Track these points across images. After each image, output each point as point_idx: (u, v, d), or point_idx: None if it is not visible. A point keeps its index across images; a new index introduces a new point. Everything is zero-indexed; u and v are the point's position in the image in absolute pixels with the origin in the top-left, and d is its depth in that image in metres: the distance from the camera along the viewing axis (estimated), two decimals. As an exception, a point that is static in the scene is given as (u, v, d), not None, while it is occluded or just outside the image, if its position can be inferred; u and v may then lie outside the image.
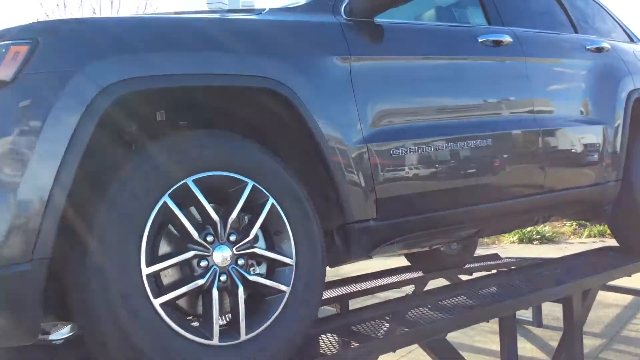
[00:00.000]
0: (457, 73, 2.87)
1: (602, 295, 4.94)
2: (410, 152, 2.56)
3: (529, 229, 8.75)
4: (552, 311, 4.90)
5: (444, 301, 2.94)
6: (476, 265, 5.21)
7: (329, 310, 4.22)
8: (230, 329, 2.00)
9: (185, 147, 1.99)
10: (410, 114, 2.64)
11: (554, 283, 3.30)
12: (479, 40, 2.99)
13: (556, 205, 3.35)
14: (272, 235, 2.18)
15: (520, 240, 9.05)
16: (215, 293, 1.94)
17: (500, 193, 2.96)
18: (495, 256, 5.67)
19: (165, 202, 1.89)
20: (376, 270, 4.87)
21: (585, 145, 3.44)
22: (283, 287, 2.10)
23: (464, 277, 4.94)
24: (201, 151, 2.00)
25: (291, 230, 2.15)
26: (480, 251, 7.56)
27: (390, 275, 4.86)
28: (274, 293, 2.10)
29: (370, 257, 2.56)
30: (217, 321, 1.92)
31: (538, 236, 8.95)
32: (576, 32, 3.75)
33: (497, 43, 3.08)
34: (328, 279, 3.33)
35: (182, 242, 1.97)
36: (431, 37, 2.87)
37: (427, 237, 2.83)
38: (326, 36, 2.43)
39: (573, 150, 3.37)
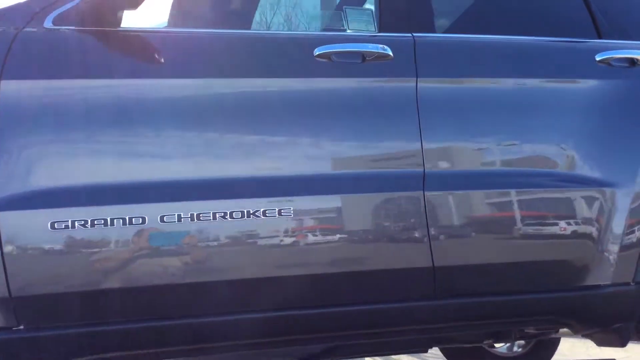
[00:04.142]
0: (235, 103, 1.87)
1: None
2: (97, 225, 1.65)
3: None
4: None
5: None
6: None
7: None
8: None
9: None
10: (116, 165, 1.74)
11: None
12: (315, 54, 1.93)
13: (481, 316, 2.02)
14: None
15: None
16: None
17: (321, 295, 1.84)
18: (609, 364, 3.94)
19: None
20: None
21: (553, 220, 2.05)
22: None
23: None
24: None
25: None
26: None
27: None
28: None
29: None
30: None
31: None
32: (599, 36, 2.31)
33: (362, 58, 1.97)
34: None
35: None
36: (219, 50, 1.91)
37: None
38: None
39: (515, 228, 2.00)
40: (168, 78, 1.84)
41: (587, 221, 2.04)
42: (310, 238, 1.81)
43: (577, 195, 2.06)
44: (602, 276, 2.05)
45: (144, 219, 1.67)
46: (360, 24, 2.13)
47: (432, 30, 2.17)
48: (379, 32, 2.08)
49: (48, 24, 1.79)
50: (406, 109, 1.95)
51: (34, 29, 1.76)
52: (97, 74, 1.80)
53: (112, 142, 1.75)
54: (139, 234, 1.68)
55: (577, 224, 2.04)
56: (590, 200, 2.05)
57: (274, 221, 1.77)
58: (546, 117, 2.07)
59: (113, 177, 1.70)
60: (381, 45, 1.97)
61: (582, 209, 2.05)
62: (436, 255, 1.89)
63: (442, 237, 1.91)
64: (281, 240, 1.79)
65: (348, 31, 2.10)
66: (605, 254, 2.05)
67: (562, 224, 2.04)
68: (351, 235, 1.85)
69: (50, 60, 1.77)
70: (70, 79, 1.77)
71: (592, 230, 2.03)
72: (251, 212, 1.75)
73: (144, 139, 1.77)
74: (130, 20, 1.91)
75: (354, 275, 1.87)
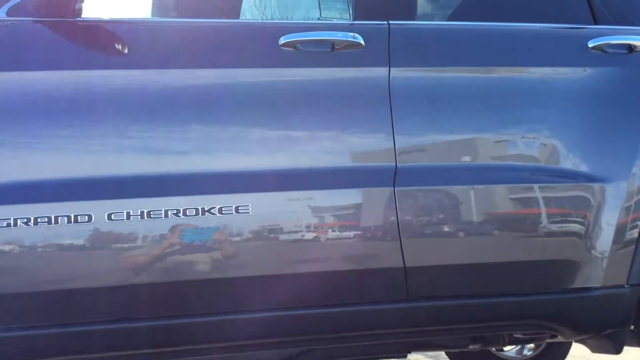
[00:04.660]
0: (196, 94, 1.78)
1: None
2: (40, 224, 1.58)
3: None
4: None
5: None
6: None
7: None
8: None
9: None
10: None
11: None
12: (280, 43, 1.83)
13: (458, 320, 1.90)
14: None
15: None
16: None
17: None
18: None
19: None
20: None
21: (538, 218, 1.91)
22: None
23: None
24: None
25: None
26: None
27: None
28: None
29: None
30: None
31: None
32: (595, 22, 2.17)
33: (332, 47, 1.86)
34: None
35: None
36: (178, 40, 1.83)
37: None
38: None
39: (495, 226, 1.89)
40: (127, 69, 1.76)
41: (575, 219, 1.90)
42: (269, 238, 1.72)
43: (564, 191, 1.93)
44: (592, 278, 1.91)
45: (90, 216, 1.60)
46: (333, 12, 2.03)
47: (412, 17, 2.06)
48: (355, 19, 1.97)
49: (2, 15, 1.73)
50: (377, 100, 1.84)
51: None
52: (52, 67, 1.73)
53: (63, 137, 1.68)
54: (86, 232, 1.60)
55: (564, 221, 1.91)
56: (579, 196, 1.92)
57: (229, 219, 1.68)
58: (531, 108, 1.94)
59: (60, 173, 1.63)
60: (351, 34, 1.86)
61: (571, 206, 1.92)
62: (407, 255, 1.78)
63: (413, 235, 1.80)
64: (236, 242, 1.70)
65: (321, 19, 2.00)
66: (596, 254, 1.91)
67: (548, 221, 1.90)
68: (315, 234, 1.75)
69: (3, 52, 1.71)
70: (23, 72, 1.71)
71: (581, 228, 1.90)
72: (206, 209, 1.66)
73: (97, 134, 1.70)
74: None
75: (320, 276, 1.77)
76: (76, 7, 1.76)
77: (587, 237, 1.89)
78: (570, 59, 2.01)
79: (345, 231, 1.77)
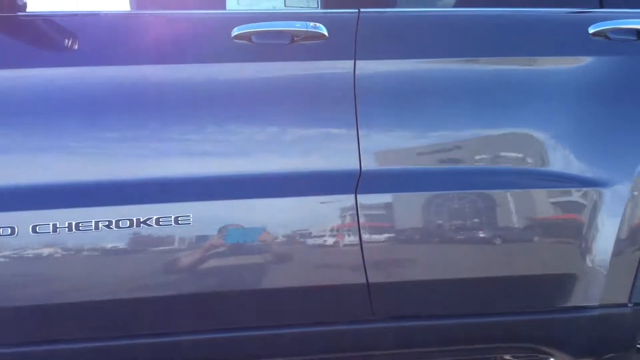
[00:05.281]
0: (140, 94, 1.63)
1: None
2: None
3: None
4: None
5: None
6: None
7: None
8: None
9: None
10: None
11: None
12: (233, 35, 1.66)
13: (432, 342, 1.71)
14: None
15: None
16: None
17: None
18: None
19: None
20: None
21: (525, 227, 1.69)
22: None
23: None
24: None
25: None
26: None
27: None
28: None
29: None
30: None
31: None
32: (601, 5, 1.93)
33: (291, 38, 1.69)
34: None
35: None
36: (120, 34, 1.68)
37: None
38: None
39: (475, 237, 1.67)
40: (58, 67, 1.62)
41: (570, 228, 1.68)
42: (212, 253, 1.55)
43: (556, 197, 1.70)
44: (589, 295, 1.69)
45: (13, 229, 1.46)
46: (300, 0, 1.85)
47: (393, 5, 1.87)
48: (324, 7, 1.80)
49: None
50: (340, 97, 1.65)
51: None
52: None
53: None
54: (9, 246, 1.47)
55: (557, 231, 1.69)
56: (573, 202, 1.69)
57: (167, 231, 1.52)
58: (517, 104, 1.72)
59: None
60: (312, 23, 1.68)
61: (564, 213, 1.70)
62: (370, 270, 1.59)
63: (377, 248, 1.60)
64: (176, 256, 1.54)
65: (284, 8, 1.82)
66: (593, 267, 1.68)
67: (538, 231, 1.68)
68: (266, 248, 1.58)
69: None
70: None
71: (576, 238, 1.67)
72: (141, 220, 1.51)
73: (35, 135, 1.57)
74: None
75: (272, 294, 1.59)
76: (20, 3, 1.63)
77: (584, 248, 1.66)
78: (567, 47, 1.78)
79: (300, 244, 1.58)
